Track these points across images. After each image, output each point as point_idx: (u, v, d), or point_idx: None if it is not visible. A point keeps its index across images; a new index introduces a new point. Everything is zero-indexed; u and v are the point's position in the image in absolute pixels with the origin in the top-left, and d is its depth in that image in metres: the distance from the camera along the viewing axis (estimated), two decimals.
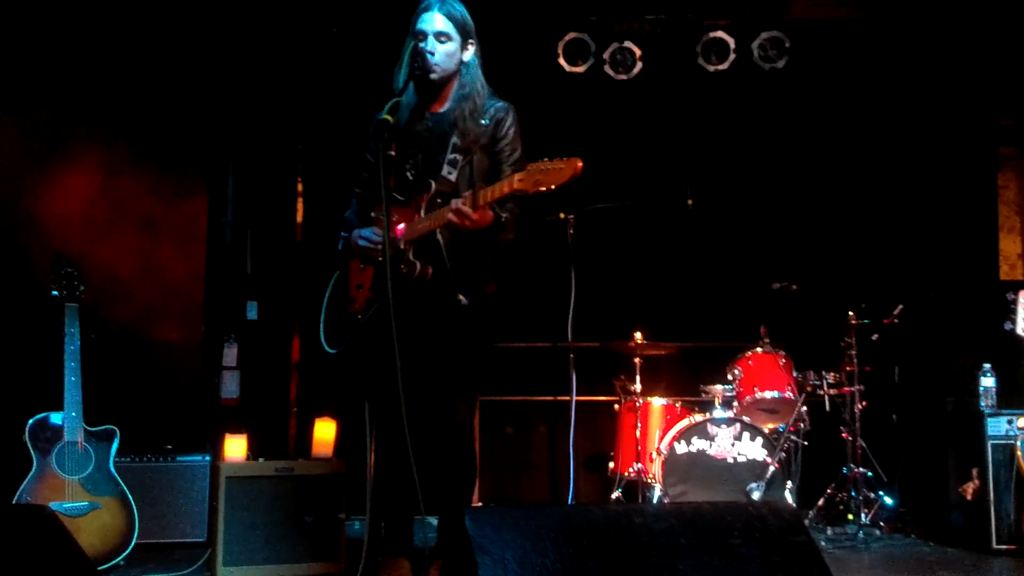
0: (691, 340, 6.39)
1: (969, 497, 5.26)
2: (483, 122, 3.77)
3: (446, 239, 3.68)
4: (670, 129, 6.68)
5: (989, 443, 5.16)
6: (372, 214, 3.85)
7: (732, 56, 6.36)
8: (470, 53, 3.81)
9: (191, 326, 5.77)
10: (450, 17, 3.74)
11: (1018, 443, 5.07)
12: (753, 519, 2.83)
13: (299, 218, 6.55)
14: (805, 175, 6.65)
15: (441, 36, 3.73)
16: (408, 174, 3.79)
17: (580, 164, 3.34)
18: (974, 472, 5.24)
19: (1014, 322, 5.08)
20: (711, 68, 6.38)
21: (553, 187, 3.37)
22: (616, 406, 6.17)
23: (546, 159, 3.42)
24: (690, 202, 6.17)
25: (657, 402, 5.99)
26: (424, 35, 3.73)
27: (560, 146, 6.44)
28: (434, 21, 3.74)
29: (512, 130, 3.82)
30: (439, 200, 3.69)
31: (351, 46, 6.36)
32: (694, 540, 2.79)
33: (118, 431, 4.63)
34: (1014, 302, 5.10)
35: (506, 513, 2.72)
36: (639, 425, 5.81)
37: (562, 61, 6.45)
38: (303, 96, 6.37)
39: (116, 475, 4.57)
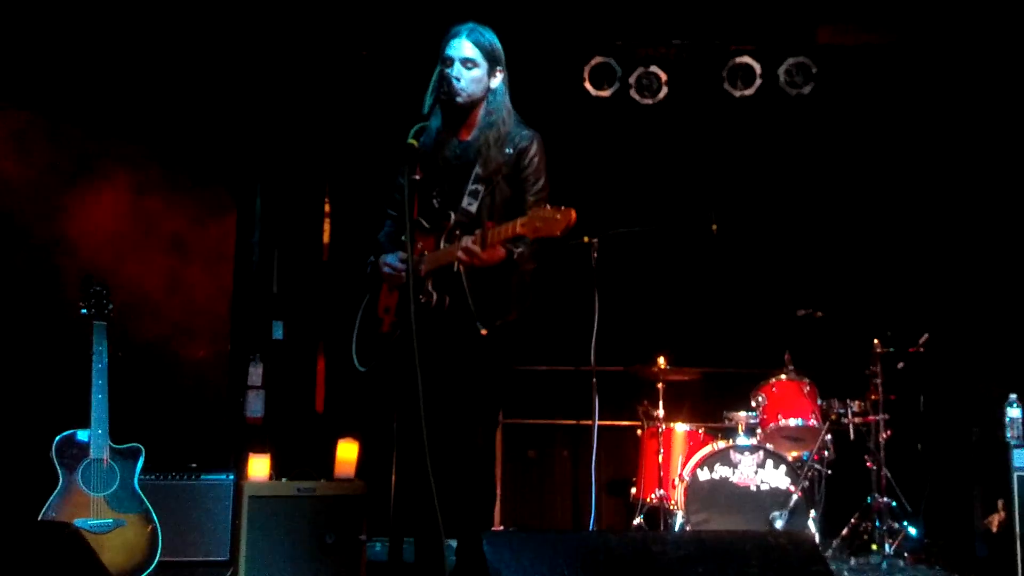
0: (715, 366, 6.37)
1: (994, 529, 5.20)
2: (507, 151, 3.79)
3: (466, 270, 3.70)
4: (695, 154, 6.69)
5: (1015, 475, 5.09)
6: (402, 237, 3.88)
7: (758, 81, 6.37)
8: (498, 80, 3.83)
9: (217, 345, 5.81)
10: (478, 44, 3.78)
11: None
12: (772, 549, 2.82)
13: (326, 238, 6.60)
14: (831, 201, 6.63)
15: (468, 62, 3.77)
16: (434, 201, 3.82)
17: (574, 215, 3.40)
18: (1000, 503, 5.18)
19: None
20: (737, 93, 6.40)
21: (552, 235, 3.42)
22: (639, 431, 6.15)
23: (548, 206, 3.47)
24: (715, 227, 6.17)
25: (680, 428, 5.97)
26: (451, 61, 3.77)
27: (586, 170, 6.53)
28: (462, 47, 3.78)
29: (536, 159, 3.81)
30: (458, 232, 3.72)
31: (381, 69, 6.43)
32: (712, 568, 2.78)
33: (143, 449, 4.66)
34: None
35: (524, 538, 2.73)
36: (662, 451, 5.79)
37: (588, 85, 6.48)
38: (332, 117, 6.44)
39: (141, 493, 4.61)
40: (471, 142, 3.84)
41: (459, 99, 3.76)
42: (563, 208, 3.40)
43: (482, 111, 3.83)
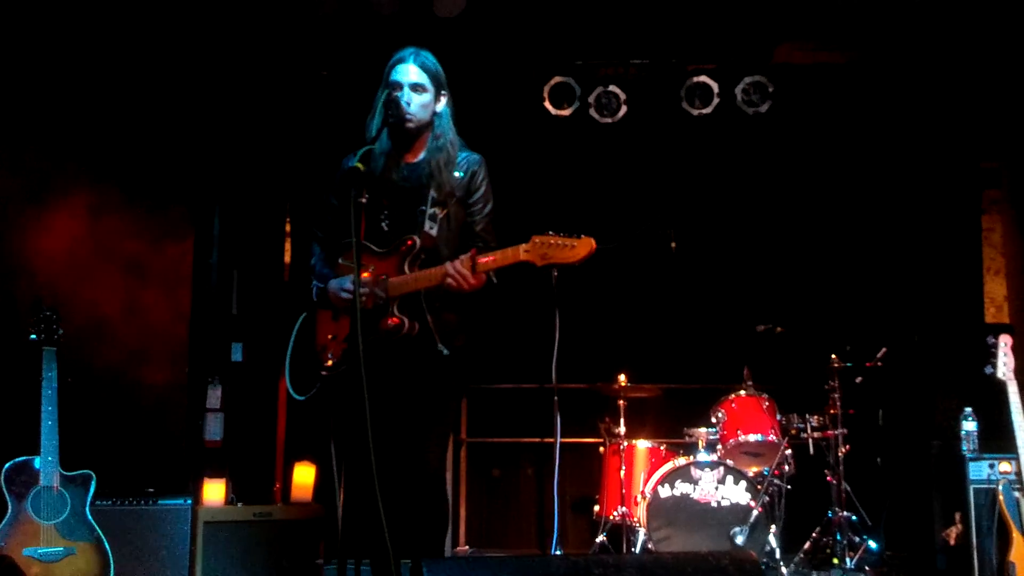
0: (676, 382, 6.41)
1: (952, 541, 5.24)
2: (457, 174, 3.83)
3: (426, 294, 3.71)
4: (654, 172, 6.73)
5: (971, 487, 5.14)
6: (340, 260, 3.88)
7: (716, 100, 6.40)
8: (443, 104, 3.87)
9: (175, 368, 5.73)
10: (424, 68, 3.81)
11: (1000, 487, 5.04)
12: (713, 570, 2.82)
13: (287, 258, 6.57)
14: (789, 218, 6.69)
15: (416, 87, 3.80)
16: (383, 224, 3.82)
17: (594, 243, 3.46)
18: (957, 516, 5.22)
19: (995, 366, 5.05)
20: (695, 112, 6.43)
21: (565, 263, 3.47)
22: (601, 448, 6.16)
23: (551, 232, 3.50)
24: (674, 244, 6.21)
25: (642, 445, 5.97)
26: (400, 86, 3.79)
27: (546, 189, 6.53)
28: (409, 72, 3.79)
29: (485, 183, 3.88)
30: (423, 256, 3.74)
31: (341, 88, 6.42)
32: None
33: (95, 476, 4.60)
34: (994, 346, 5.08)
35: (464, 564, 2.72)
36: (624, 468, 5.79)
37: (548, 104, 6.50)
38: (293, 136, 6.42)
39: (92, 520, 4.54)
40: (419, 164, 3.86)
41: (410, 124, 3.78)
42: (581, 236, 3.47)
43: (429, 135, 3.86)
